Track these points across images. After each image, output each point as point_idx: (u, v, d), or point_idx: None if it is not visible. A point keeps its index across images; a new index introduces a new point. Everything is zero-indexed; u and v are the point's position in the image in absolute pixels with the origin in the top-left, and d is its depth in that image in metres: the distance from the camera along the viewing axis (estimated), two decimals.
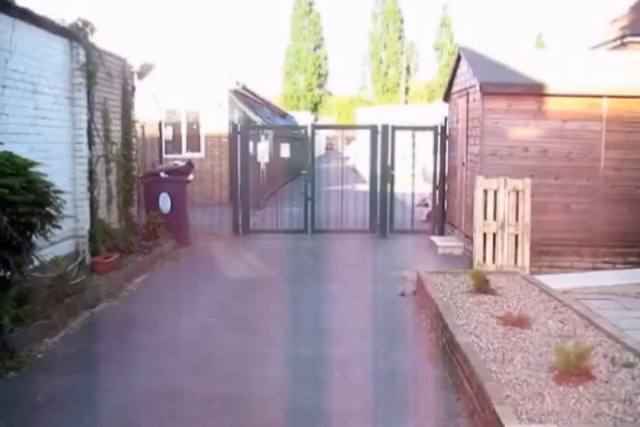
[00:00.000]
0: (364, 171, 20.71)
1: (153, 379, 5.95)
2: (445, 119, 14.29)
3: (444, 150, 14.17)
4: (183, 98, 19.74)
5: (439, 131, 14.25)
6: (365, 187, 15.66)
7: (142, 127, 13.48)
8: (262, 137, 18.59)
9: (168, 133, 19.58)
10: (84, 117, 9.84)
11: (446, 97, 14.40)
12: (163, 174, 12.61)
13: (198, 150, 20.19)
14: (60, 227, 6.57)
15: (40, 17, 8.51)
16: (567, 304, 7.25)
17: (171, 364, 6.33)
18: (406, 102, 60.96)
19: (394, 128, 14.31)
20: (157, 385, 5.80)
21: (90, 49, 9.90)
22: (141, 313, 8.20)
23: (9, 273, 6.27)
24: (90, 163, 9.98)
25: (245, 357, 6.57)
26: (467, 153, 12.10)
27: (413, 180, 14.77)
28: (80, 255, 9.60)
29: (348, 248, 13.10)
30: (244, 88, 20.99)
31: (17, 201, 5.75)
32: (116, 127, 11.20)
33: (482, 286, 7.86)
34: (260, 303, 8.76)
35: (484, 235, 10.38)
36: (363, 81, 75.74)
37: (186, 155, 19.11)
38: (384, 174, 14.35)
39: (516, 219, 10.34)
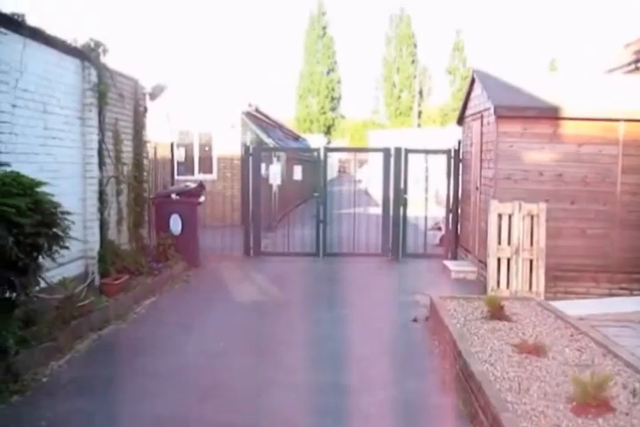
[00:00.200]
0: (377, 194, 20.62)
1: (159, 405, 5.81)
2: (459, 142, 14.17)
3: (458, 174, 14.04)
4: (196, 119, 19.75)
5: (452, 154, 14.14)
6: (378, 210, 15.53)
7: (155, 148, 13.44)
8: (274, 159, 18.52)
9: (180, 155, 19.53)
10: (95, 138, 9.79)
11: (460, 120, 14.29)
12: (174, 196, 12.53)
13: (210, 172, 20.14)
14: (67, 248, 6.45)
15: (51, 37, 8.48)
16: (584, 332, 7.07)
17: (177, 389, 6.18)
18: (419, 126, 60.99)
19: (407, 151, 14.22)
20: (163, 411, 5.65)
21: (101, 69, 9.88)
22: (149, 336, 8.06)
23: (14, 294, 6.17)
24: (100, 183, 9.91)
25: (254, 383, 6.41)
26: (480, 177, 11.97)
27: (426, 203, 14.64)
28: (89, 276, 9.51)
29: (359, 272, 12.94)
30: (257, 110, 20.99)
31: (23, 222, 5.64)
32: (127, 148, 11.16)
33: (496, 312, 7.69)
34: (270, 328, 8.60)
35: (499, 260, 10.24)
36: (376, 104, 75.92)
37: (198, 176, 19.08)
38: (397, 198, 14.22)
39: (531, 244, 10.20)
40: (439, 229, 16.00)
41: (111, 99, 10.33)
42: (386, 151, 14.36)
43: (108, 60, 10.12)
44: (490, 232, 10.33)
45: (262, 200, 15.04)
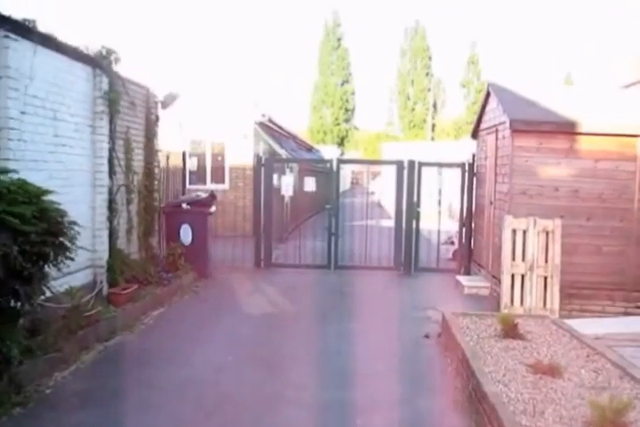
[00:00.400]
0: (389, 206, 20.47)
1: (163, 420, 5.68)
2: (473, 156, 14.03)
3: (472, 188, 13.89)
4: (209, 129, 19.73)
5: (467, 168, 13.99)
6: (390, 222, 15.38)
7: (167, 157, 13.36)
8: (287, 170, 18.43)
9: (192, 164, 19.51)
10: (106, 146, 9.71)
11: (474, 133, 14.15)
12: (184, 205, 12.43)
13: (222, 182, 20.07)
14: (72, 259, 6.34)
15: (62, 43, 8.40)
16: (600, 352, 6.90)
17: (182, 404, 6.05)
18: (432, 139, 60.96)
19: (420, 164, 14.07)
20: None
21: (113, 77, 9.80)
22: (156, 348, 7.93)
23: (19, 304, 6.06)
24: (110, 192, 9.82)
25: (261, 399, 6.26)
26: (495, 191, 11.82)
27: (439, 217, 14.48)
28: (97, 286, 9.40)
29: (371, 285, 12.77)
30: (270, 120, 20.92)
31: (28, 230, 5.53)
32: (138, 157, 11.06)
33: (510, 330, 7.52)
34: (279, 341, 8.46)
35: (512, 276, 10.07)
36: (389, 116, 75.91)
37: (210, 186, 19.01)
38: (409, 211, 14.07)
39: (546, 260, 10.04)
40: (452, 243, 15.85)
41: (123, 107, 10.26)
42: (399, 164, 14.23)
43: (121, 68, 10.07)
44: (504, 248, 10.17)
45: (274, 211, 14.92)
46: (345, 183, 48.47)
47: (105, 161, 9.73)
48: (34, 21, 7.71)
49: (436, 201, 14.78)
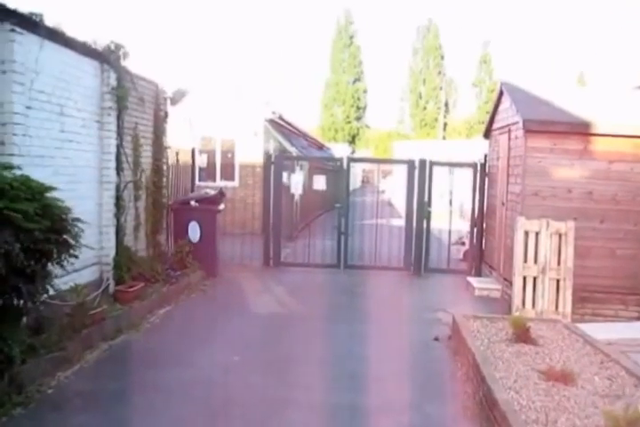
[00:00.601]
0: (400, 205, 20.33)
1: (166, 423, 5.56)
2: (485, 156, 13.87)
3: (483, 188, 13.73)
4: (218, 126, 19.62)
5: (478, 168, 13.83)
6: (400, 222, 15.23)
7: (176, 154, 13.25)
8: (297, 168, 18.29)
9: (202, 161, 19.38)
10: (113, 142, 9.60)
11: (487, 133, 13.99)
12: (193, 203, 12.32)
13: (232, 179, 19.97)
14: (76, 256, 6.22)
15: (70, 38, 8.29)
16: (614, 359, 6.75)
17: (187, 406, 5.92)
18: (444, 138, 60.70)
19: (431, 163, 13.91)
20: None
21: (121, 72, 9.68)
22: (161, 348, 7.81)
23: (22, 302, 5.96)
24: (117, 188, 9.71)
25: (267, 402, 6.13)
26: (507, 192, 11.66)
27: (450, 217, 14.32)
28: (104, 283, 9.30)
29: (380, 286, 12.63)
30: (281, 118, 20.79)
31: (31, 227, 5.42)
32: (146, 153, 10.95)
33: (522, 334, 7.38)
34: (287, 342, 8.34)
35: (524, 278, 9.91)
36: (401, 115, 75.69)
37: (219, 183, 18.90)
38: (420, 210, 13.92)
39: (558, 263, 9.87)
40: (463, 243, 15.68)
41: (131, 103, 10.15)
42: (410, 163, 14.07)
43: (129, 64, 9.96)
44: (516, 250, 10.01)
45: (283, 209, 14.80)
46: (355, 182, 48.36)
47: (112, 157, 9.62)
48: (41, 15, 7.60)
49: (446, 201, 14.61)
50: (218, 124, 19.59)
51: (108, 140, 9.54)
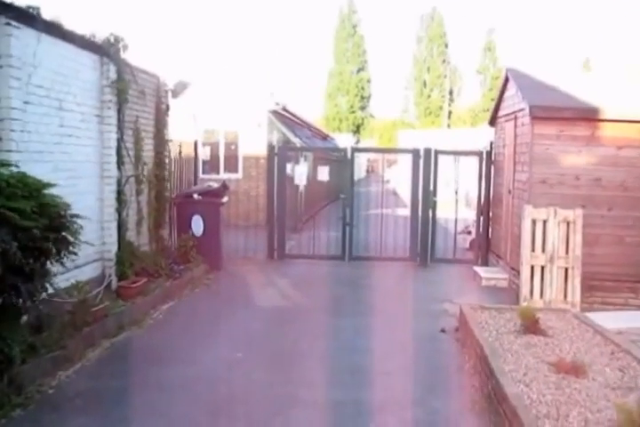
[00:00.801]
0: (405, 194, 20.18)
1: (168, 424, 5.44)
2: (491, 144, 13.70)
3: (489, 176, 13.57)
4: (222, 118, 19.48)
5: (484, 156, 13.67)
6: (406, 211, 15.08)
7: (180, 147, 13.12)
8: (301, 159, 18.15)
9: (206, 153, 19.29)
10: (114, 136, 9.47)
11: (492, 121, 13.82)
12: (196, 196, 12.19)
13: (236, 171, 19.84)
14: (76, 253, 6.11)
15: (68, 31, 8.16)
16: (625, 349, 6.61)
17: (190, 405, 5.81)
18: (449, 126, 60.49)
19: (437, 152, 13.76)
20: None
21: (121, 65, 9.54)
22: (164, 344, 7.69)
23: (21, 301, 5.85)
24: (119, 183, 9.59)
25: (271, 399, 6.02)
26: (514, 180, 11.51)
27: (456, 206, 14.17)
28: (106, 279, 9.20)
29: (386, 277, 12.50)
30: (284, 109, 20.63)
31: (28, 226, 5.30)
32: (148, 147, 10.82)
33: (531, 325, 7.23)
34: (291, 337, 8.21)
35: (532, 267, 9.77)
36: (405, 104, 75.58)
37: (223, 175, 18.80)
38: (426, 200, 13.78)
39: (566, 251, 9.72)
40: (469, 232, 15.54)
41: (131, 96, 10.01)
42: (415, 152, 13.92)
43: (129, 56, 9.82)
44: (523, 238, 9.87)
45: (288, 201, 14.67)
46: (360, 171, 48.17)
47: (113, 151, 9.50)
48: (38, 8, 7.49)
49: (452, 190, 14.46)
50: (221, 116, 19.46)
51: (108, 134, 9.41)
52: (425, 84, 72.13)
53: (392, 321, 9.01)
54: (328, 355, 7.44)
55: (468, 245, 15.06)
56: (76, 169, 8.52)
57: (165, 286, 9.95)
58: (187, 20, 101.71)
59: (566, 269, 9.69)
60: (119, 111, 9.62)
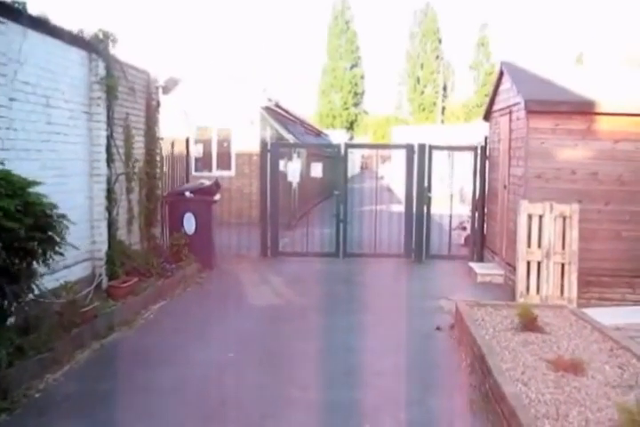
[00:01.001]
0: (399, 190, 20.08)
1: None
2: (485, 139, 13.58)
3: (484, 171, 13.45)
4: (214, 115, 19.31)
5: (479, 151, 13.54)
6: (400, 207, 14.97)
7: (172, 144, 12.98)
8: (295, 155, 18.01)
9: (198, 151, 19.16)
10: (103, 133, 9.30)
11: (487, 115, 13.69)
12: (188, 194, 12.04)
13: (229, 168, 19.68)
14: (62, 254, 5.97)
15: (55, 27, 8.00)
16: (624, 346, 6.49)
17: (181, 408, 5.66)
18: (442, 122, 60.40)
19: (431, 148, 13.63)
20: None
21: (110, 61, 9.38)
22: (155, 345, 7.53)
23: (6, 302, 5.72)
24: (108, 181, 9.43)
25: (264, 401, 5.88)
26: (509, 175, 11.39)
27: (451, 201, 14.06)
28: (96, 279, 9.04)
29: (381, 274, 12.38)
30: (277, 105, 20.47)
31: (12, 226, 5.16)
32: (138, 144, 10.67)
33: (529, 323, 7.12)
34: (285, 336, 8.08)
35: (528, 263, 9.65)
36: (399, 100, 75.43)
37: (216, 173, 18.66)
38: (420, 196, 13.65)
39: (563, 247, 9.61)
40: (464, 228, 15.43)
41: (121, 92, 9.86)
42: (409, 148, 13.79)
43: (119, 52, 9.67)
44: (519, 234, 9.75)
45: (281, 198, 14.53)
46: (354, 168, 48.10)
47: (102, 149, 9.34)
48: (24, 3, 7.32)
49: (446, 185, 14.34)
50: (214, 113, 19.28)
51: (97, 131, 9.24)
52: (418, 80, 71.95)
53: (387, 319, 8.89)
54: (322, 354, 7.30)
55: (462, 241, 14.96)
56: (64, 167, 8.37)
57: (157, 286, 9.80)
58: (178, 16, 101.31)
59: (563, 265, 9.59)
60: (108, 108, 9.46)
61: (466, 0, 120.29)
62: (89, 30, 9.06)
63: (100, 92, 9.24)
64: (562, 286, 9.56)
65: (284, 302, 9.98)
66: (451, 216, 14.24)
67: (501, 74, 12.13)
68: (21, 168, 6.26)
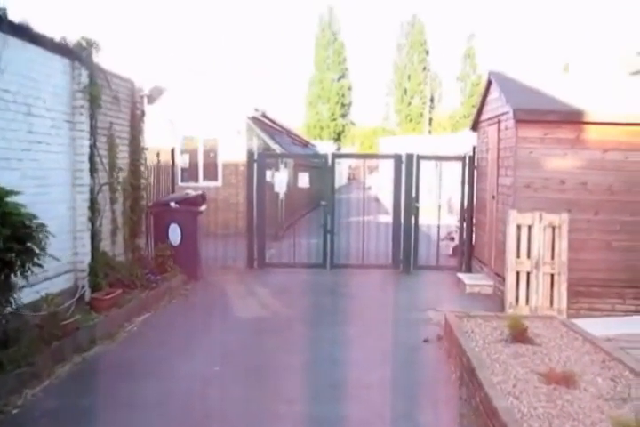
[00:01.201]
0: (387, 201, 19.98)
1: None
2: (473, 148, 13.50)
3: (472, 181, 13.36)
4: (201, 125, 19.22)
5: (467, 161, 13.46)
6: (388, 218, 14.86)
7: (157, 155, 12.82)
8: (281, 166, 17.88)
9: (184, 161, 19.03)
10: (86, 143, 9.15)
11: (474, 125, 13.61)
12: (173, 204, 11.88)
13: (215, 179, 19.56)
14: (41, 265, 5.81)
15: (37, 34, 7.86)
16: (616, 357, 6.38)
17: (164, 423, 5.51)
18: (429, 133, 60.43)
19: (419, 157, 13.53)
20: None
21: (94, 70, 9.24)
22: (138, 359, 7.36)
23: None
24: (91, 191, 9.28)
25: (250, 415, 5.74)
26: (497, 185, 11.29)
27: (439, 211, 13.95)
28: (79, 291, 8.87)
29: (368, 285, 12.24)
30: (264, 115, 20.36)
31: None
32: (122, 154, 10.52)
33: (519, 334, 6.99)
34: (270, 349, 7.92)
35: (517, 274, 9.56)
36: (386, 111, 75.43)
37: (202, 183, 18.56)
38: (408, 206, 13.54)
39: (552, 257, 9.52)
40: (452, 239, 15.33)
41: (105, 101, 9.71)
42: (397, 158, 13.70)
43: (103, 61, 9.53)
44: (508, 244, 9.65)
45: (268, 209, 14.39)
46: (342, 179, 48.03)
47: (85, 159, 9.18)
48: (4, 10, 7.19)
49: (434, 196, 14.25)
50: (200, 123, 19.18)
51: (80, 140, 9.10)
52: (405, 91, 71.99)
53: (375, 331, 8.74)
54: (308, 368, 7.16)
55: (451, 252, 14.86)
56: (46, 177, 8.22)
57: (141, 298, 9.63)
58: (163, 25, 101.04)
59: (552, 275, 9.50)
60: (92, 117, 9.31)
61: (453, 12, 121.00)
62: (72, 38, 8.95)
63: (83, 101, 9.10)
64: (551, 296, 9.46)
65: (271, 314, 9.83)
66: (439, 227, 14.14)
67: (489, 83, 12.06)
68: (1, 178, 6.12)
